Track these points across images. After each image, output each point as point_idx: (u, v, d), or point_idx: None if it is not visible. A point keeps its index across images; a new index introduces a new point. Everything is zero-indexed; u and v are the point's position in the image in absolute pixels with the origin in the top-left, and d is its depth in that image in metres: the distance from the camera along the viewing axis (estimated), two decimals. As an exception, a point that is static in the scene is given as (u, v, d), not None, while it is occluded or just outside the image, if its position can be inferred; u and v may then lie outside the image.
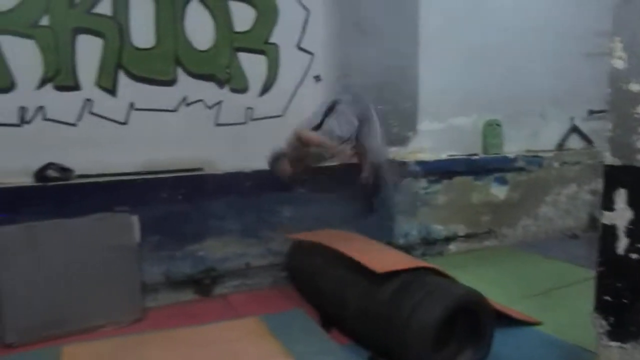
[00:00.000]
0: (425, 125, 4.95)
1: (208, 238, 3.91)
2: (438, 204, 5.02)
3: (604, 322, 2.45)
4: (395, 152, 4.78)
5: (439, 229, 5.05)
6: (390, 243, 4.47)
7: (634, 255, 2.36)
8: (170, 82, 3.86)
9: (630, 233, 2.37)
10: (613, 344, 2.42)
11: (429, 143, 4.97)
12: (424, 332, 2.70)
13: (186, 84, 3.90)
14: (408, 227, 4.86)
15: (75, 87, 3.60)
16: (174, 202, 3.78)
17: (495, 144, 5.42)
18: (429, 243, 4.99)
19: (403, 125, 4.85)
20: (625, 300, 2.41)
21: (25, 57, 3.43)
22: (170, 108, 3.88)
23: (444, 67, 4.92)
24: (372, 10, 4.57)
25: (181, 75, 3.89)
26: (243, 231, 4.03)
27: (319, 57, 4.38)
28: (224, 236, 3.97)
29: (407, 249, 4.72)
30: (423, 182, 4.92)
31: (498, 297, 3.41)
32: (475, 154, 5.28)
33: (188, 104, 3.93)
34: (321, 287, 3.53)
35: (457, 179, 5.11)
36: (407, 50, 4.76)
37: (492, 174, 5.31)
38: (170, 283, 3.82)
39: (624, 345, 2.38)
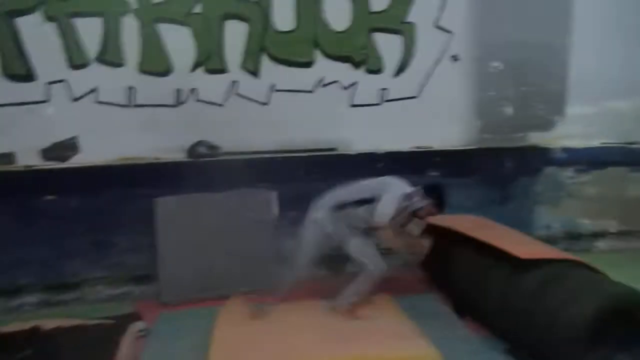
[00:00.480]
0: (575, 108, 4.48)
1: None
2: (586, 195, 4.54)
3: None
4: (538, 137, 4.41)
5: (586, 224, 4.57)
6: (529, 234, 4.15)
7: None
8: (308, 64, 3.96)
9: None
10: None
11: (579, 128, 4.50)
12: (575, 331, 2.45)
13: (323, 66, 3.97)
14: (550, 219, 4.47)
15: (223, 70, 3.85)
16: (310, 180, 3.89)
17: (659, 131, 4.74)
18: (574, 238, 4.55)
19: (549, 108, 4.44)
20: None
21: (180, 43, 3.75)
22: (307, 89, 3.97)
23: (601, 45, 4.40)
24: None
25: (319, 57, 3.96)
26: (373, 212, 4.00)
27: (458, 36, 4.18)
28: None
29: (548, 242, 4.34)
30: (569, 171, 4.49)
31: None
32: (634, 142, 4.67)
33: (324, 85, 3.99)
34: (456, 273, 3.39)
35: (611, 170, 4.57)
36: (556, 25, 4.34)
37: (651, 165, 4.67)
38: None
39: None
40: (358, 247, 3.23)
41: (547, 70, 4.38)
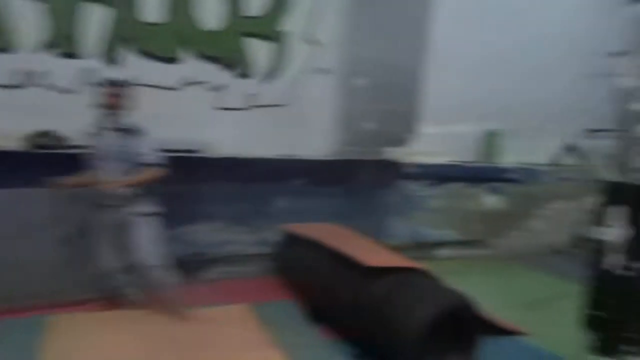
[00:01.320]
0: (426, 128, 4.92)
1: (200, 222, 3.86)
2: (432, 208, 5.01)
3: (592, 337, 2.46)
4: (394, 153, 4.76)
5: (432, 233, 5.04)
6: (382, 243, 4.45)
7: (627, 273, 2.36)
8: (174, 60, 3.81)
9: (624, 250, 2.37)
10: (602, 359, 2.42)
11: (428, 146, 4.95)
12: (414, 334, 2.67)
13: (190, 64, 3.85)
14: (401, 229, 4.84)
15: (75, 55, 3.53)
16: (168, 181, 3.71)
17: (492, 154, 5.43)
18: (420, 246, 4.98)
19: (405, 126, 4.82)
20: (614, 317, 2.41)
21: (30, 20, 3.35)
22: (172, 86, 3.82)
23: (450, 72, 4.89)
24: (384, 8, 4.52)
25: (186, 55, 3.84)
26: (235, 218, 3.98)
27: (329, 49, 4.33)
28: (216, 222, 3.92)
29: (399, 250, 4.70)
30: (419, 185, 4.91)
31: (486, 305, 3.40)
32: (471, 162, 5.28)
33: (190, 84, 3.87)
34: (312, 280, 3.49)
35: (453, 185, 5.11)
36: (415, 52, 4.73)
37: (487, 183, 5.32)
38: (158, 263, 3.75)
39: (612, 361, 2.38)
40: None
41: (405, 91, 4.76)
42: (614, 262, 2.40)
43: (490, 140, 5.39)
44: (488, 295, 3.93)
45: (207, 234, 3.91)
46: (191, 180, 3.77)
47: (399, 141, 4.83)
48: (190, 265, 3.83)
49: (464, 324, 2.88)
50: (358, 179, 4.57)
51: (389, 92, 4.65)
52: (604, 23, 5.42)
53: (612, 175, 2.34)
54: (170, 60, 3.79)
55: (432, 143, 4.95)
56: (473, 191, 5.24)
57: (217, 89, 3.97)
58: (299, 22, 4.18)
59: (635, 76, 2.18)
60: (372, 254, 3.20)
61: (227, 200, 3.92)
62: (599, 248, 2.47)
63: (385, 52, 4.55)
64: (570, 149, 5.97)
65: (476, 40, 4.95)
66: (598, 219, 2.47)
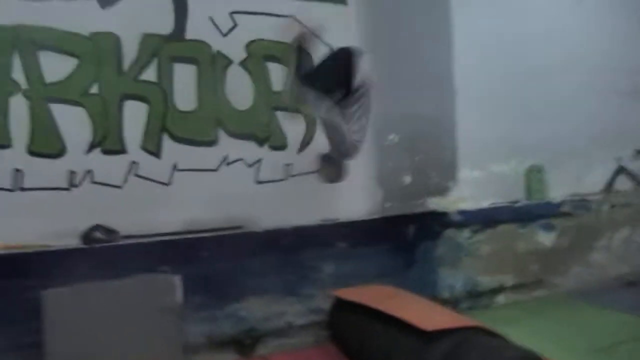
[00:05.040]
0: (465, 173, 4.86)
1: (249, 297, 3.88)
2: (483, 254, 4.86)
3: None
4: (435, 203, 4.70)
5: (485, 281, 4.86)
6: (434, 297, 4.33)
7: None
8: (211, 143, 3.95)
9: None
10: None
11: (469, 191, 4.87)
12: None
13: (227, 144, 3.98)
14: (452, 280, 4.70)
15: (121, 150, 3.73)
16: (215, 261, 3.79)
17: (538, 190, 5.26)
18: (475, 296, 4.80)
19: (442, 174, 4.78)
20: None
21: (75, 123, 3.59)
22: (211, 167, 3.95)
23: (480, 112, 4.86)
24: (402, 60, 4.59)
25: (222, 135, 3.98)
26: (284, 289, 3.98)
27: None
28: (265, 295, 3.92)
29: (453, 302, 4.56)
30: (466, 232, 4.80)
31: (556, 354, 3.20)
32: (517, 201, 5.12)
33: (229, 163, 3.99)
34: (365, 347, 3.40)
35: (501, 227, 4.96)
36: (442, 100, 4.75)
37: (537, 220, 5.13)
38: (212, 343, 3.77)
39: None
40: None
41: (437, 140, 4.75)
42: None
43: (534, 175, 5.24)
44: (556, 342, 3.73)
45: (259, 308, 3.91)
46: (237, 257, 3.83)
47: (440, 190, 4.77)
48: (244, 342, 3.83)
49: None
50: (402, 235, 4.52)
51: (422, 143, 4.65)
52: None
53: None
54: (208, 143, 3.93)
55: (475, 187, 4.86)
56: (524, 231, 5.06)
57: (254, 164, 4.07)
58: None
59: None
60: (427, 316, 3.11)
61: (274, 273, 3.94)
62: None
63: (411, 104, 4.59)
64: (622, 173, 5.73)
65: (500, 73, 4.94)
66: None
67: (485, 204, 4.93)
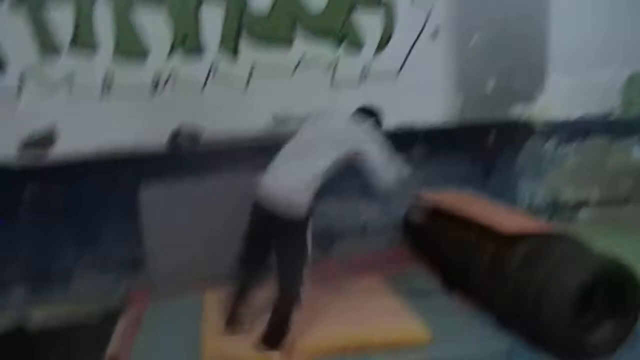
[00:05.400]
0: (555, 79, 4.47)
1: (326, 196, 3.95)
2: (568, 167, 4.59)
3: None
4: (520, 111, 4.42)
5: (569, 193, 4.63)
6: (513, 207, 4.20)
7: None
8: (288, 43, 3.89)
9: None
10: None
11: (558, 100, 4.51)
12: (561, 303, 2.51)
13: (303, 45, 3.90)
14: (533, 191, 4.51)
15: (201, 50, 3.76)
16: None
17: (637, 102, 4.78)
18: (557, 208, 4.61)
19: (530, 81, 4.44)
20: None
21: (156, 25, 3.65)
22: (288, 69, 3.91)
23: (580, 12, 4.37)
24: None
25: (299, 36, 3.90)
26: (361, 191, 3.99)
27: (437, 12, 4.11)
28: (343, 195, 3.97)
29: (532, 213, 4.41)
30: (551, 143, 4.52)
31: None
32: (612, 113, 4.70)
33: (305, 65, 3.93)
34: (444, 249, 3.43)
35: (591, 141, 4.62)
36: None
37: (633, 135, 4.71)
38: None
39: None
40: None
41: (527, 43, 4.35)
42: None
43: (635, 85, 4.74)
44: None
45: (336, 208, 3.99)
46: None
47: (527, 98, 4.45)
48: (321, 239, 3.95)
49: (619, 291, 2.62)
50: (482, 143, 4.34)
51: (510, 46, 4.29)
52: None
53: None
54: (284, 43, 3.88)
55: (567, 95, 4.48)
56: (619, 146, 4.68)
57: (330, 65, 3.98)
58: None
59: None
60: (508, 220, 3.03)
61: (353, 174, 3.95)
62: None
63: (501, 5, 4.22)
64: None
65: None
66: None
67: (575, 114, 4.57)
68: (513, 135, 4.42)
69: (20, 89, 3.51)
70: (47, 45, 3.51)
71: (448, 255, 3.39)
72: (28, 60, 3.49)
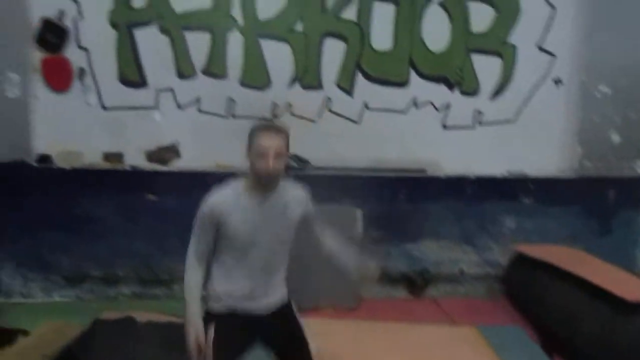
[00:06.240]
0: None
1: (425, 239, 3.92)
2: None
3: None
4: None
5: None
6: (631, 271, 3.87)
7: None
8: (403, 84, 3.96)
9: None
10: None
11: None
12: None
13: (417, 85, 3.95)
14: (656, 255, 4.13)
15: (318, 86, 3.94)
16: (396, 200, 3.88)
17: None
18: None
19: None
20: None
21: (280, 59, 3.87)
22: (400, 109, 3.98)
23: None
24: (626, 5, 3.98)
25: (413, 77, 3.95)
26: (460, 237, 3.93)
27: (561, 59, 4.00)
28: (441, 240, 3.93)
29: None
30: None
31: None
32: None
33: (418, 105, 3.98)
34: (548, 308, 3.24)
35: None
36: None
37: None
38: (385, 277, 3.94)
39: None
40: None
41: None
42: None
43: None
44: None
45: (434, 252, 3.95)
46: (419, 199, 3.87)
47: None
48: (416, 281, 3.92)
49: None
50: (599, 198, 4.07)
51: (638, 97, 4.04)
52: None
53: None
54: (399, 83, 3.95)
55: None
56: None
57: (444, 108, 4.00)
58: (528, 33, 3.95)
59: None
60: (629, 285, 2.81)
61: (453, 219, 3.91)
62: None
63: (629, 53, 4.00)
64: None
65: None
66: None
67: None
68: (635, 192, 4.09)
69: (155, 106, 3.87)
70: (183, 68, 3.86)
71: (552, 315, 3.19)
72: (165, 81, 3.85)
